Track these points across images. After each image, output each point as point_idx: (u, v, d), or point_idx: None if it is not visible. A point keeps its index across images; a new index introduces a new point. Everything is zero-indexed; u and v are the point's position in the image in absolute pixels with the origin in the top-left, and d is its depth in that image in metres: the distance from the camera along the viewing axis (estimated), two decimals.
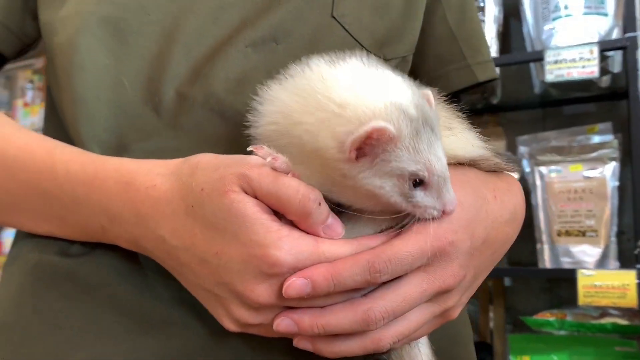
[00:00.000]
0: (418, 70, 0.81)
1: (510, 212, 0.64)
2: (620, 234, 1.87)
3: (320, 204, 0.51)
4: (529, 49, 1.97)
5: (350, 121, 0.50)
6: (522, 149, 2.00)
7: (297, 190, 0.50)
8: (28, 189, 0.63)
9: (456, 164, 0.61)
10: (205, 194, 0.52)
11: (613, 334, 1.80)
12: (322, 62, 0.55)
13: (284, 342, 0.56)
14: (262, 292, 0.51)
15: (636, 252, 1.67)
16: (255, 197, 0.51)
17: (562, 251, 1.86)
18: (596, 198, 1.82)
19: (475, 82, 0.82)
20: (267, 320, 0.53)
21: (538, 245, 1.92)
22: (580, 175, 1.86)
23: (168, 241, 0.55)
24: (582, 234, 1.83)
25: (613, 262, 1.81)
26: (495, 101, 2.07)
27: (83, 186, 0.60)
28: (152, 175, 0.57)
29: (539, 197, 1.93)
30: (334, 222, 0.53)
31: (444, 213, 0.53)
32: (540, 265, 1.90)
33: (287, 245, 0.50)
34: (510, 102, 2.15)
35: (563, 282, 2.08)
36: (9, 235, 2.74)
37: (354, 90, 0.51)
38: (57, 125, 0.71)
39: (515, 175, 2.00)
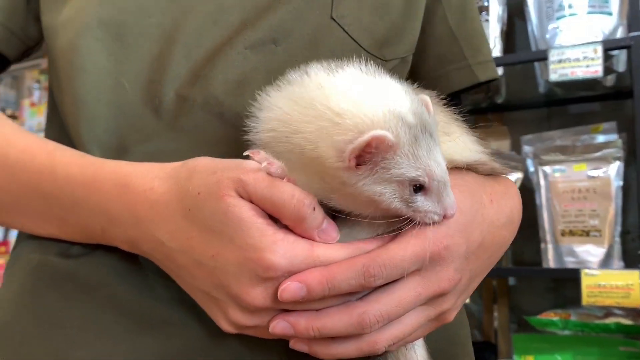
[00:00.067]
0: (418, 70, 0.81)
1: (507, 215, 0.64)
2: (624, 234, 1.86)
3: (315, 208, 0.51)
4: (533, 48, 1.96)
5: (349, 130, 0.50)
6: (527, 149, 1.99)
7: (292, 195, 0.50)
8: (29, 190, 0.64)
9: (454, 168, 0.61)
10: (201, 197, 0.52)
11: (617, 333, 1.79)
12: (320, 69, 0.55)
13: (283, 342, 0.56)
14: (258, 295, 0.52)
15: None
16: (251, 202, 0.51)
17: (566, 251, 1.85)
18: (600, 198, 1.81)
19: (476, 82, 0.82)
20: (263, 322, 0.54)
21: (542, 245, 1.92)
22: (584, 175, 1.84)
23: (165, 243, 0.55)
24: (586, 234, 1.82)
25: (617, 262, 1.80)
26: (499, 100, 2.06)
27: (82, 188, 0.60)
28: (150, 178, 0.57)
29: (543, 196, 1.92)
30: (329, 226, 0.53)
31: (444, 217, 0.53)
32: (544, 265, 1.90)
33: (282, 249, 0.50)
34: (515, 101, 2.14)
35: (567, 282, 2.07)
36: (16, 235, 2.75)
37: (353, 98, 0.51)
38: (58, 126, 0.72)
39: (516, 176, 1.98)
